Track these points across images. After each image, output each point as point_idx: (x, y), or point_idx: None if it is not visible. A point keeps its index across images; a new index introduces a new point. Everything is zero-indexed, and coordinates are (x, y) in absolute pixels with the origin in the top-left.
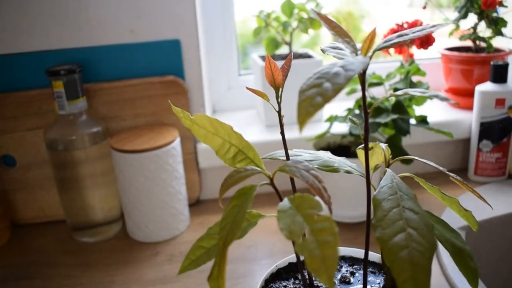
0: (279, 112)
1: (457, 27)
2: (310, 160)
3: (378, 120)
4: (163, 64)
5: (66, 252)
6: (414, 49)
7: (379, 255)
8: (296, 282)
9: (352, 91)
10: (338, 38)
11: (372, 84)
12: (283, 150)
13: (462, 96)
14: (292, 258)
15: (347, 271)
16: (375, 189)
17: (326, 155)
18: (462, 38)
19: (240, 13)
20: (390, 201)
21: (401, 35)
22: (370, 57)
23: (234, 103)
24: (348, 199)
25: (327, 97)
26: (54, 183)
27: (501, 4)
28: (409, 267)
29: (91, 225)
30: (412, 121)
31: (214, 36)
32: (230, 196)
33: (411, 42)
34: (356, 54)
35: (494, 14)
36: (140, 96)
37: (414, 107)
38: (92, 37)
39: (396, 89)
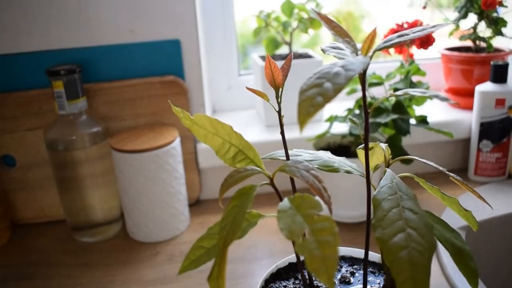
0: (279, 112)
1: (457, 27)
2: (310, 160)
3: (378, 120)
4: (163, 64)
5: (66, 252)
6: (414, 49)
7: (379, 255)
8: (296, 282)
9: (352, 91)
10: (338, 38)
11: (372, 84)
12: (283, 150)
13: (462, 96)
14: (292, 258)
15: (347, 271)
16: (375, 189)
17: (326, 155)
18: (462, 38)
19: (240, 13)
20: (390, 201)
21: (402, 35)
22: (371, 57)
23: (234, 103)
24: (348, 199)
25: (328, 97)
26: (54, 183)
27: (501, 4)
28: (409, 267)
29: (91, 225)
30: (412, 121)
31: (214, 36)
32: (230, 196)
33: (411, 42)
34: (357, 54)
35: (494, 14)
36: (140, 96)
37: (414, 107)
38: (92, 37)
39: (396, 89)
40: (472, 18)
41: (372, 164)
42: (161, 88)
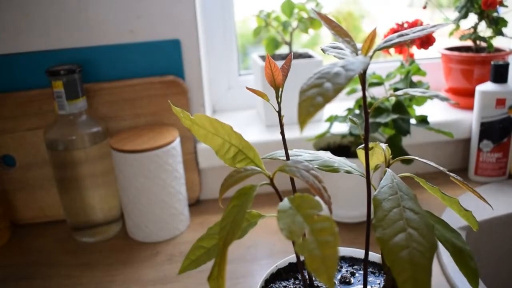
0: (279, 112)
1: (457, 27)
2: (310, 160)
3: (378, 120)
4: (163, 64)
5: (66, 252)
6: (414, 49)
7: (379, 255)
8: (296, 282)
9: (352, 91)
10: (338, 38)
11: (372, 84)
12: (283, 150)
13: (462, 96)
14: (292, 258)
15: (347, 271)
16: (375, 189)
17: (326, 155)
18: (462, 38)
19: (240, 13)
20: (391, 201)
21: (402, 35)
22: (371, 57)
23: (234, 103)
24: (348, 199)
25: (328, 97)
26: (54, 183)
27: (501, 4)
28: (410, 267)
29: (91, 225)
30: (412, 121)
31: (214, 36)
32: (230, 196)
33: (412, 42)
34: (357, 54)
35: (495, 14)
36: (140, 96)
37: (414, 107)
38: (92, 37)
39: (396, 89)
40: (473, 18)
41: (372, 164)
42: (161, 88)
